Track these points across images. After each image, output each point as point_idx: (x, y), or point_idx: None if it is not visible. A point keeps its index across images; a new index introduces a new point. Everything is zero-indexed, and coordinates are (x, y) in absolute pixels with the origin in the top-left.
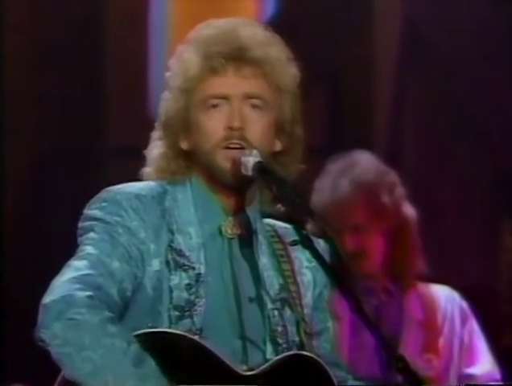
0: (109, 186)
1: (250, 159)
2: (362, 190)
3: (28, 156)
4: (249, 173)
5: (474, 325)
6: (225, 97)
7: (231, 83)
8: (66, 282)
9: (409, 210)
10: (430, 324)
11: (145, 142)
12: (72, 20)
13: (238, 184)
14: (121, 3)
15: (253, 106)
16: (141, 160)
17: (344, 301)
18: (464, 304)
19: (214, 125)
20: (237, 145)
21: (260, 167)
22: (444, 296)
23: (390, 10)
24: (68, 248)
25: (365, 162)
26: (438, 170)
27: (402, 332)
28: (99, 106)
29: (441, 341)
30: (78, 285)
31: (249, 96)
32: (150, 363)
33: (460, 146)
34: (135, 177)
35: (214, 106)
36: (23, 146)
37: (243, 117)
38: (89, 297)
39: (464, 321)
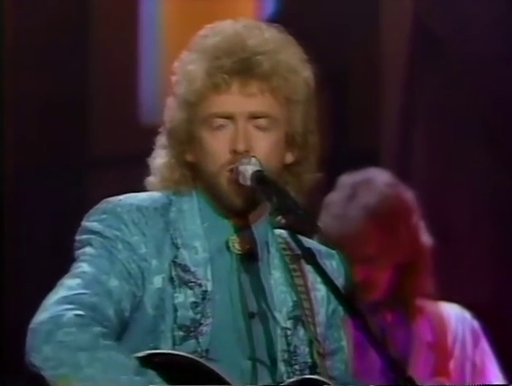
0: (93, 198)
1: (249, 168)
2: (377, 219)
3: (7, 166)
4: (248, 183)
5: (486, 346)
6: (230, 117)
7: (235, 101)
8: (55, 302)
9: (425, 238)
10: (440, 346)
11: (133, 151)
12: (54, 20)
13: (243, 208)
14: (109, 3)
15: (260, 125)
16: (128, 170)
17: (349, 321)
18: (476, 324)
19: (218, 146)
20: None
21: (259, 177)
22: (455, 315)
23: (400, 7)
24: (49, 262)
25: (381, 185)
26: (450, 183)
27: (410, 355)
28: (83, 112)
29: (452, 363)
30: (68, 306)
31: (254, 116)
32: (153, 373)
33: (475, 158)
34: (122, 188)
35: (218, 125)
36: (1, 155)
37: (248, 138)
38: (79, 316)
39: (476, 342)
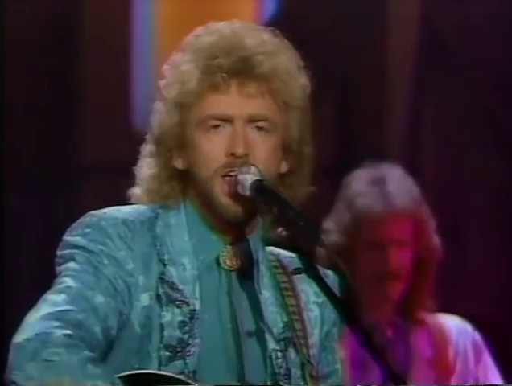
0: (83, 209)
1: (248, 177)
2: (404, 206)
3: None
4: (247, 193)
5: (488, 359)
6: (228, 119)
7: (234, 102)
8: (41, 319)
9: (436, 239)
10: (441, 361)
11: (126, 159)
12: (45, 22)
13: (240, 219)
14: (101, 4)
15: (259, 129)
16: (121, 179)
17: (347, 340)
18: (477, 336)
19: (214, 149)
20: None
21: (259, 186)
22: (455, 328)
23: (407, 9)
24: (36, 277)
25: (400, 176)
26: (460, 187)
27: (410, 371)
28: (74, 117)
29: (454, 380)
30: (55, 323)
31: (254, 119)
32: None
33: (485, 161)
34: (114, 198)
35: (214, 127)
36: None
37: (247, 141)
38: (68, 335)
39: (478, 356)
